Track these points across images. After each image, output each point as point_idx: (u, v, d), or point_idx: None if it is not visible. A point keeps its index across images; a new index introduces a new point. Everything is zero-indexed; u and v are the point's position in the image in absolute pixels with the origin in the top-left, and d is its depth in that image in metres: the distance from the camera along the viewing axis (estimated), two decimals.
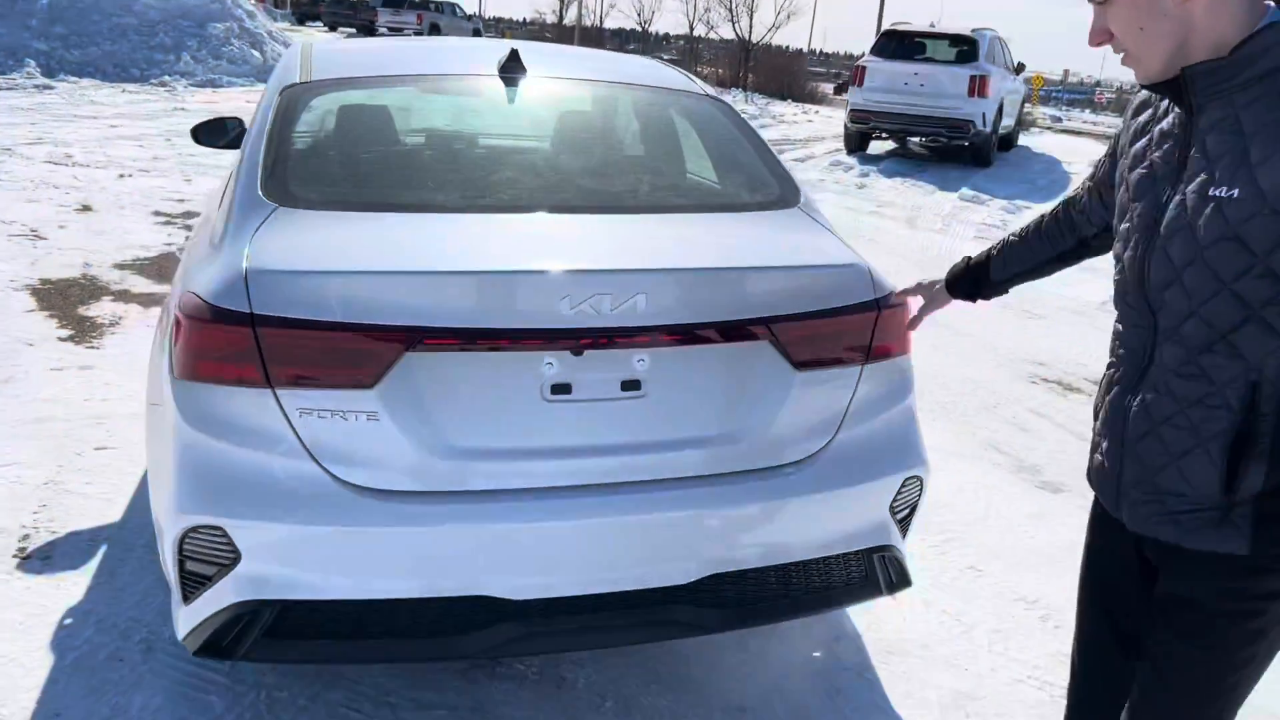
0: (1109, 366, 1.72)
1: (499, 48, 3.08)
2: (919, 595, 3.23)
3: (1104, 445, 1.70)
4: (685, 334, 2.19)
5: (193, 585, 2.12)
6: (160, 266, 6.32)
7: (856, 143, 15.28)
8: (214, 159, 9.57)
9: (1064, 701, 2.73)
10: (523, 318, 2.09)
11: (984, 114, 13.91)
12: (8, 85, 14.20)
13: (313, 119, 2.80)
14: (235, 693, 2.56)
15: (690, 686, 2.72)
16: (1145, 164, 1.61)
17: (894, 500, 2.42)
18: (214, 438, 2.07)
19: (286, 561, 2.06)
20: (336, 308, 2.03)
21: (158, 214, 7.74)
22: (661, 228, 2.51)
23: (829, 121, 20.74)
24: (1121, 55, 1.57)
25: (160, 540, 2.24)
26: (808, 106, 26.22)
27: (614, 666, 2.77)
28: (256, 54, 18.66)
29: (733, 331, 2.23)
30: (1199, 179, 1.49)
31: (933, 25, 15.35)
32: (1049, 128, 26.10)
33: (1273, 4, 1.47)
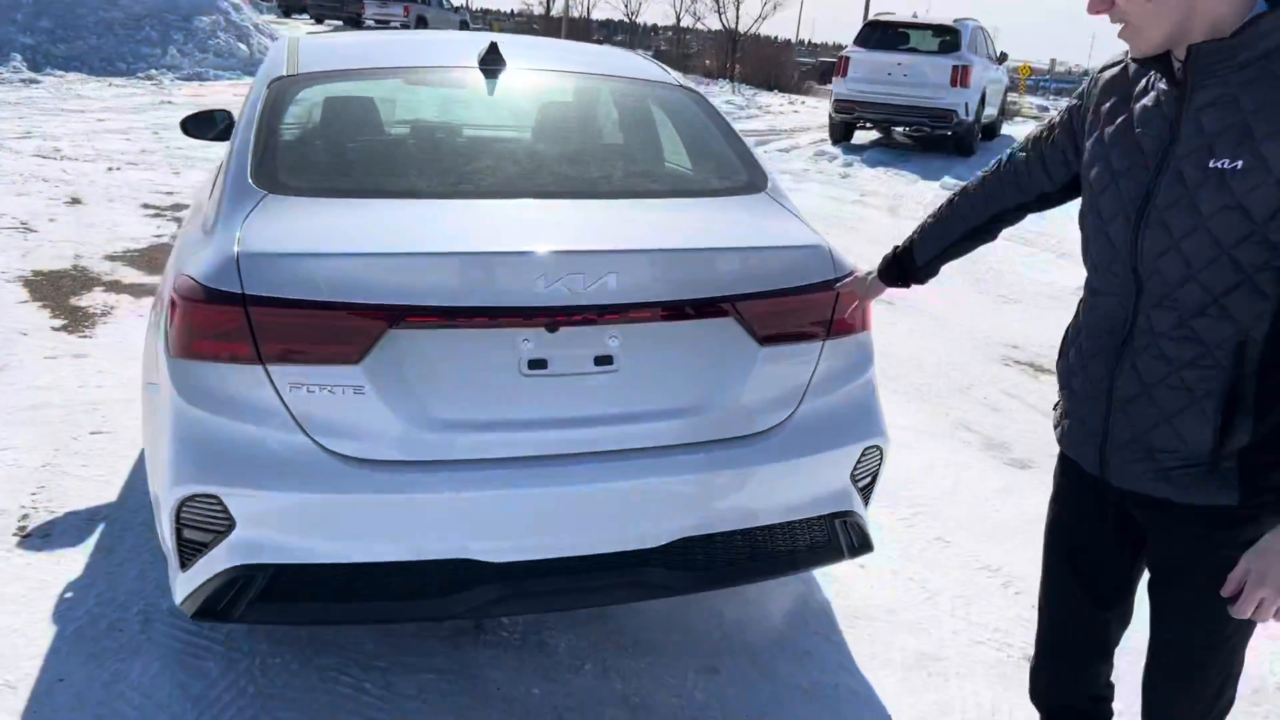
0: (1078, 335, 1.80)
1: (479, 40, 3.20)
2: (886, 565, 3.37)
3: (1082, 410, 1.78)
4: (654, 311, 2.32)
5: (190, 552, 2.24)
6: (150, 258, 6.42)
7: (841, 133, 15.39)
8: (202, 152, 9.66)
9: (1023, 661, 2.88)
10: (500, 296, 2.22)
11: (966, 103, 14.04)
12: None
13: (300, 110, 2.91)
14: (230, 659, 2.69)
15: (665, 650, 2.85)
16: (1128, 141, 1.66)
17: (855, 468, 2.56)
18: (209, 412, 2.19)
19: (278, 528, 2.18)
20: (323, 287, 2.15)
21: (146, 206, 7.83)
22: (633, 211, 2.64)
23: (814, 112, 20.86)
24: (1120, 26, 1.61)
25: (158, 512, 2.35)
26: (794, 97, 26.33)
27: (593, 632, 2.90)
28: (243, 47, 18.69)
29: (699, 309, 2.36)
30: (1194, 153, 1.55)
31: (915, 16, 15.46)
32: (1034, 117, 26.26)
33: None
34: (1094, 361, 1.74)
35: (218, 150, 3.32)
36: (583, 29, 40.52)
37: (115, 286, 5.81)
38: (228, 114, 3.99)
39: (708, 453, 2.39)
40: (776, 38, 58.29)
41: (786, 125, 18.15)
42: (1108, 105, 1.74)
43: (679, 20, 38.82)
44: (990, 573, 3.39)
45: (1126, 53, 1.72)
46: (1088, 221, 1.76)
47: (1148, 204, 1.61)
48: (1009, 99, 19.46)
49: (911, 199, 10.91)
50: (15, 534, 3.21)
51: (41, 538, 3.20)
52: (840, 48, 15.34)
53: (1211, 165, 1.53)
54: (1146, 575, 1.85)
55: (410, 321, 2.18)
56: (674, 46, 40.99)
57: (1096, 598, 1.92)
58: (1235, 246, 1.53)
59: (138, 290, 5.75)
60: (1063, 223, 10.18)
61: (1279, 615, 1.53)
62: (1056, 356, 1.94)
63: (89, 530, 3.27)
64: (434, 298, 2.18)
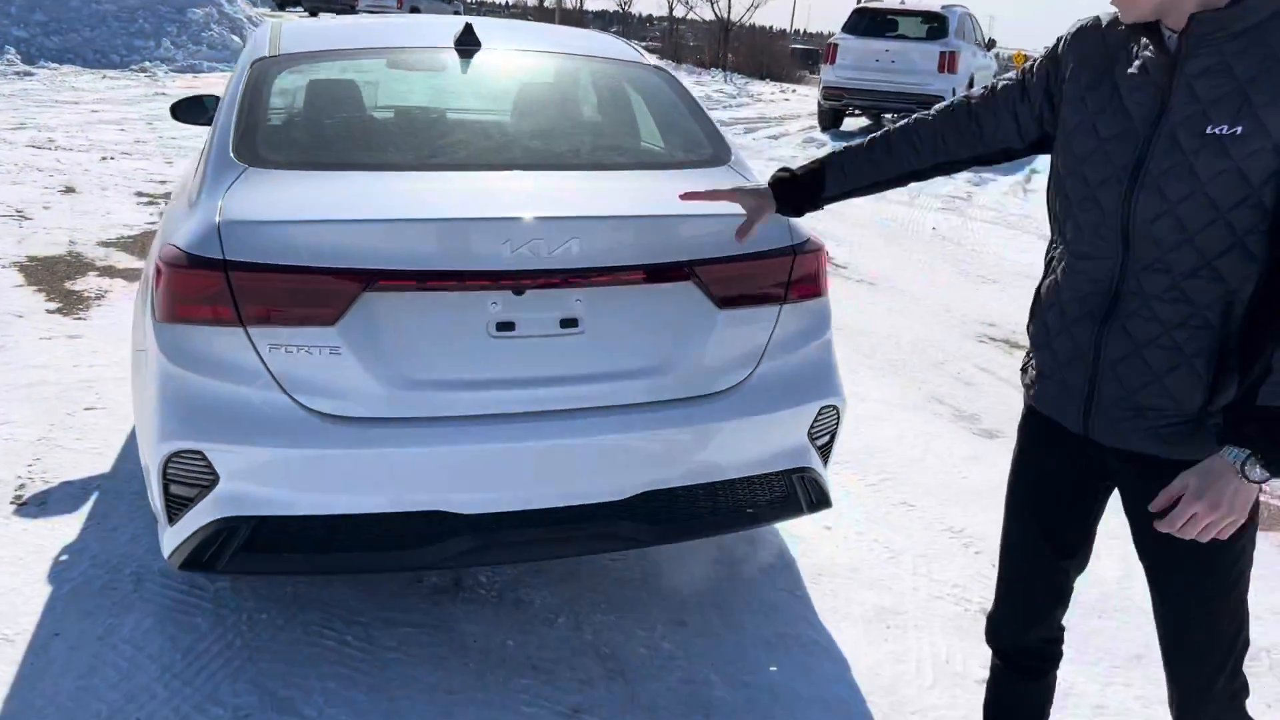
0: (1057, 298, 1.80)
1: (456, 23, 3.32)
2: (852, 527, 3.50)
3: (1064, 372, 1.80)
4: (616, 275, 2.44)
5: (176, 506, 2.36)
6: (143, 244, 6.53)
7: (830, 120, 15.51)
8: (195, 142, 9.75)
9: (979, 615, 3.01)
10: (468, 260, 2.34)
11: (954, 89, 14.13)
12: None
13: (280, 89, 3.03)
14: (219, 615, 2.81)
15: (636, 605, 2.98)
16: (1115, 108, 1.68)
17: (812, 427, 2.68)
18: (193, 372, 2.31)
19: (260, 481, 2.31)
20: (301, 253, 2.27)
21: (140, 194, 7.94)
22: (598, 182, 2.76)
23: (805, 100, 20.95)
24: None
25: (147, 474, 2.48)
26: (786, 86, 26.42)
27: (567, 589, 3.02)
28: (236, 39, 18.76)
29: (659, 273, 2.49)
30: (1189, 119, 1.59)
31: (902, 2, 15.57)
32: None
33: None
34: (1079, 324, 1.77)
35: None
36: (576, 20, 40.55)
37: (109, 271, 5.92)
38: (216, 99, 4.10)
39: (670, 411, 2.52)
40: (771, 27, 58.30)
41: (776, 113, 18.26)
42: (1086, 70, 1.76)
43: (671, 10, 38.87)
44: (953, 534, 3.52)
45: (1099, 17, 1.76)
46: (1069, 186, 1.77)
47: (1140, 170, 1.65)
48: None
49: (899, 190, 11.01)
50: (12, 502, 3.33)
51: (38, 506, 3.32)
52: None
53: (1209, 131, 1.57)
54: (1132, 541, 1.86)
55: (383, 285, 2.30)
56: (667, 37, 41.02)
57: (1058, 547, 1.98)
58: (1231, 210, 1.58)
59: (131, 275, 5.86)
60: (1042, 207, 10.37)
61: (1210, 531, 1.57)
62: (1028, 319, 1.95)
63: (83, 499, 3.39)
64: (405, 262, 2.31)
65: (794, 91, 24.38)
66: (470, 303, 2.36)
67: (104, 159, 9.15)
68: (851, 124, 16.17)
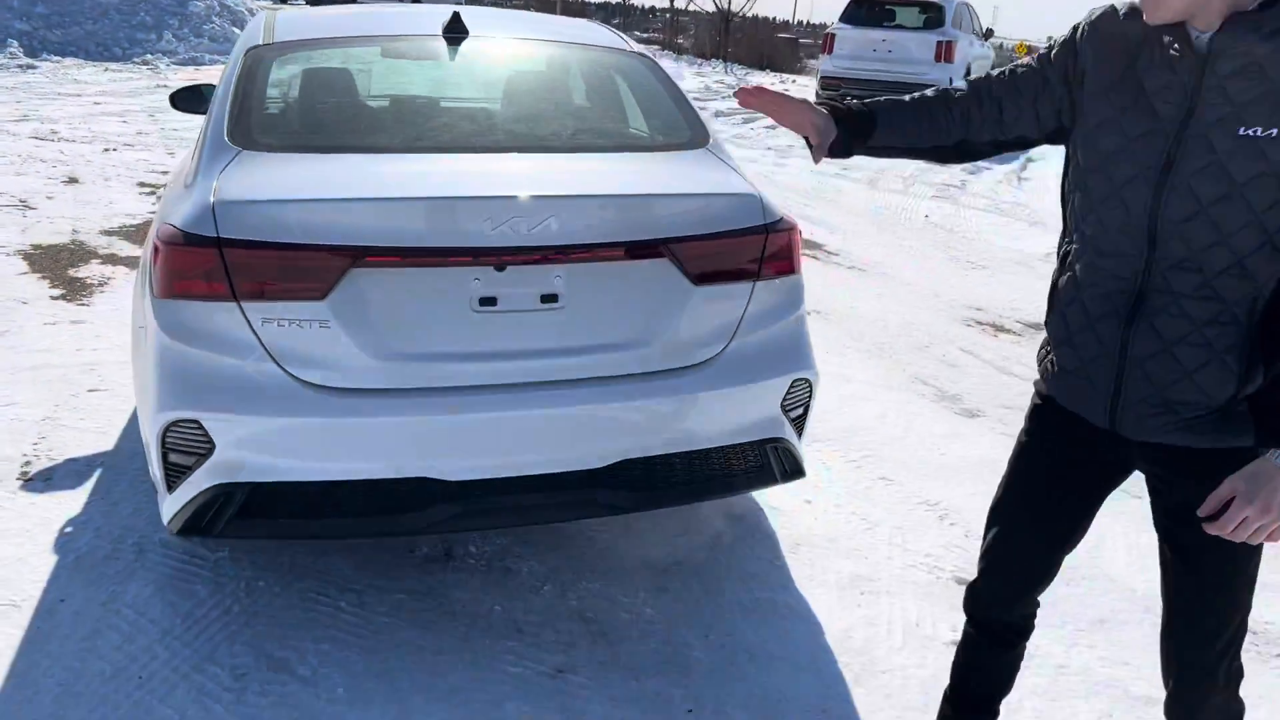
0: (1078, 295, 1.81)
1: (444, 12, 3.42)
2: (831, 501, 3.61)
3: (1090, 369, 1.80)
4: (594, 252, 2.55)
5: (175, 474, 2.48)
6: (145, 233, 6.63)
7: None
8: (196, 133, 9.87)
9: (951, 583, 3.12)
10: (451, 237, 2.45)
11: (950, 78, 14.20)
12: None
13: (273, 76, 3.13)
14: (217, 583, 2.93)
15: (618, 573, 3.09)
16: (1142, 107, 1.68)
17: (785, 399, 2.79)
18: (190, 345, 2.42)
19: (254, 449, 2.42)
20: (291, 230, 2.38)
21: (142, 185, 8.04)
22: (579, 164, 2.87)
23: (805, 91, 20.97)
24: None
25: (147, 446, 2.59)
26: (786, 76, 26.44)
27: (553, 558, 3.14)
28: (237, 31, 18.80)
29: (636, 250, 2.59)
30: (1221, 121, 1.59)
31: None
32: None
33: None
34: (1104, 322, 1.77)
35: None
36: (578, 11, 40.57)
37: (111, 259, 6.03)
38: (215, 88, 4.21)
39: (647, 383, 2.63)
40: (774, 19, 58.19)
41: None
42: (1108, 64, 1.75)
43: (673, 1, 38.86)
44: (929, 507, 3.63)
45: (1114, 6, 1.76)
46: (1092, 183, 1.77)
47: (1169, 170, 1.65)
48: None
49: (892, 172, 11.09)
50: (18, 478, 3.44)
51: (43, 481, 3.43)
52: None
53: (1242, 133, 1.58)
54: (1151, 523, 1.91)
55: (370, 261, 2.41)
56: (667, 28, 41.02)
57: (1057, 533, 2.01)
58: (1266, 211, 1.59)
59: (133, 263, 5.97)
60: (1039, 194, 10.41)
61: (1260, 534, 1.58)
62: (1046, 313, 1.94)
63: (87, 475, 3.50)
64: (391, 239, 2.42)
65: (793, 82, 24.40)
66: (453, 278, 2.47)
67: (106, 150, 9.26)
68: None
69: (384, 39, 3.48)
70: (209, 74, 15.96)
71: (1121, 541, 3.44)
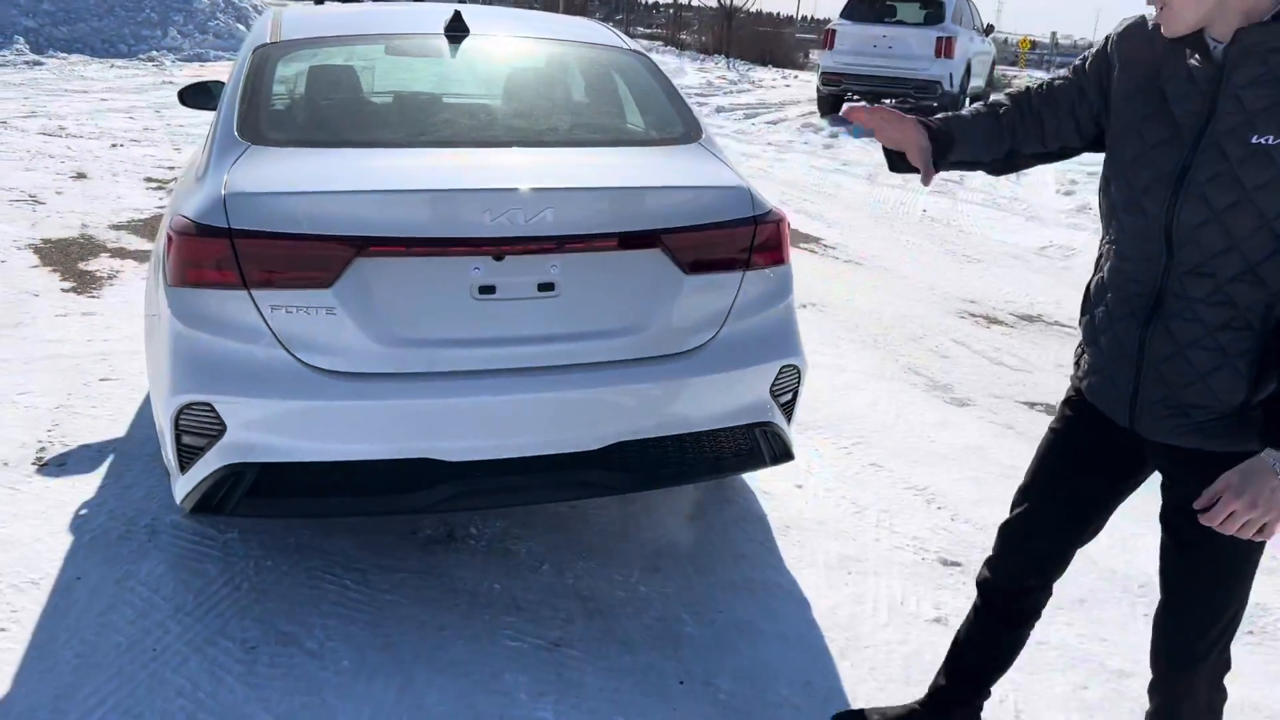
0: (1104, 295, 1.88)
1: (446, 11, 3.53)
2: (821, 485, 3.72)
3: (1112, 368, 1.87)
4: (589, 243, 2.66)
5: (188, 455, 2.59)
6: (153, 227, 6.75)
7: (829, 105, 15.65)
8: (202, 129, 9.97)
9: (936, 564, 3.23)
10: (452, 228, 2.56)
11: (951, 74, 14.32)
12: None
13: (281, 73, 3.24)
14: (228, 562, 3.04)
15: (614, 554, 3.20)
16: (1162, 115, 1.73)
17: (773, 384, 2.89)
18: (202, 332, 2.53)
19: (263, 431, 2.53)
20: (299, 221, 2.49)
21: (149, 180, 8.15)
22: (575, 158, 2.97)
23: (805, 86, 21.08)
24: (1156, 10, 1.71)
25: (160, 430, 2.70)
26: (787, 72, 26.54)
27: (551, 540, 3.24)
28: (242, 28, 18.94)
29: (629, 240, 2.70)
30: (1235, 129, 1.63)
31: None
32: None
33: None
34: (1123, 323, 1.83)
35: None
36: (580, 7, 40.64)
37: (120, 253, 6.15)
38: (222, 84, 4.32)
39: (640, 368, 2.73)
40: (778, 14, 58.19)
41: (776, 99, 18.39)
42: (1133, 72, 1.80)
43: None
44: (916, 492, 3.73)
45: (1145, 16, 1.80)
46: (1114, 189, 1.82)
47: (1185, 177, 1.69)
48: (997, 71, 19.65)
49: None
50: (34, 463, 3.55)
51: (57, 466, 3.55)
52: None
53: (1254, 141, 1.61)
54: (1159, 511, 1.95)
55: (374, 250, 2.52)
56: (670, 24, 41.09)
57: (1074, 522, 2.08)
58: (1277, 218, 1.62)
59: (142, 256, 6.08)
60: (1036, 189, 10.49)
61: (1249, 529, 1.64)
62: (1080, 314, 2.01)
63: (100, 460, 3.61)
64: (395, 229, 2.53)
65: (795, 78, 24.51)
66: (454, 267, 2.58)
67: (113, 146, 9.37)
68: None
69: (387, 37, 3.59)
70: (214, 70, 16.08)
71: (1105, 526, 3.53)
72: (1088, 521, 2.09)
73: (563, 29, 3.88)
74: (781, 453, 2.97)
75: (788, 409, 2.99)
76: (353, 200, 2.55)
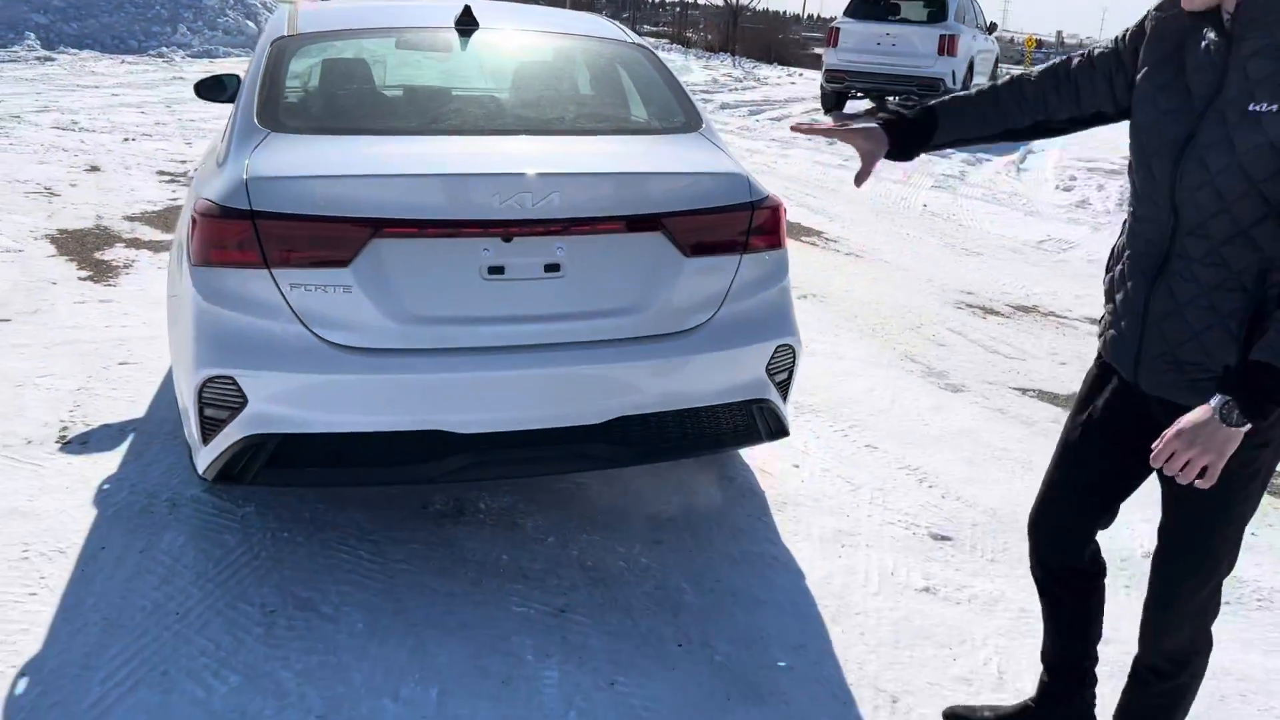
0: (1123, 258, 1.99)
1: (456, 5, 3.66)
2: (818, 465, 3.84)
3: (1122, 324, 1.98)
4: (593, 225, 2.78)
5: (210, 427, 2.71)
6: (166, 218, 6.89)
7: (833, 102, 15.78)
8: (213, 124, 10.11)
9: (925, 537, 3.35)
10: (463, 210, 2.68)
11: (954, 72, 14.41)
12: (9, 58, 14.67)
13: (298, 64, 3.38)
14: (245, 533, 3.17)
15: (616, 527, 3.32)
16: (1179, 85, 1.83)
17: (769, 363, 3.02)
18: (224, 309, 2.66)
19: (283, 403, 2.66)
20: (317, 204, 2.62)
21: (162, 173, 8.29)
22: (580, 145, 3.10)
23: (810, 84, 21.16)
24: None
25: (184, 407, 2.83)
26: (792, 69, 26.63)
27: (557, 514, 3.37)
28: (251, 24, 19.10)
29: (631, 224, 2.83)
30: (1237, 98, 1.72)
31: None
32: None
33: None
34: (1133, 281, 1.94)
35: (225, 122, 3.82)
36: (587, 5, 40.78)
37: (135, 243, 6.28)
38: (237, 78, 4.45)
39: (642, 346, 2.86)
40: (784, 12, 58.23)
41: (781, 96, 18.51)
42: (1160, 48, 1.90)
43: None
44: (909, 471, 3.86)
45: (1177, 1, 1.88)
46: (1133, 153, 1.93)
47: (1190, 142, 1.79)
48: (1002, 69, 19.73)
49: (893, 163, 11.29)
50: (57, 441, 3.69)
51: (80, 444, 3.68)
52: None
53: (1251, 109, 1.71)
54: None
55: (389, 232, 2.64)
56: (676, 22, 41.20)
57: (1104, 475, 2.16)
58: (1264, 182, 1.71)
59: (156, 246, 6.22)
60: (1035, 185, 10.61)
61: (1191, 470, 1.74)
62: (1104, 273, 2.11)
63: (120, 439, 3.74)
64: (408, 212, 2.66)
65: (800, 75, 24.60)
66: (465, 248, 2.71)
67: (126, 140, 9.51)
68: (854, 106, 16.42)
69: (399, 30, 3.72)
70: (223, 65, 16.21)
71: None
72: (1115, 475, 2.15)
73: (569, 23, 4.01)
74: (777, 429, 3.10)
75: (783, 387, 3.11)
76: (369, 184, 2.68)
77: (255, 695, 2.47)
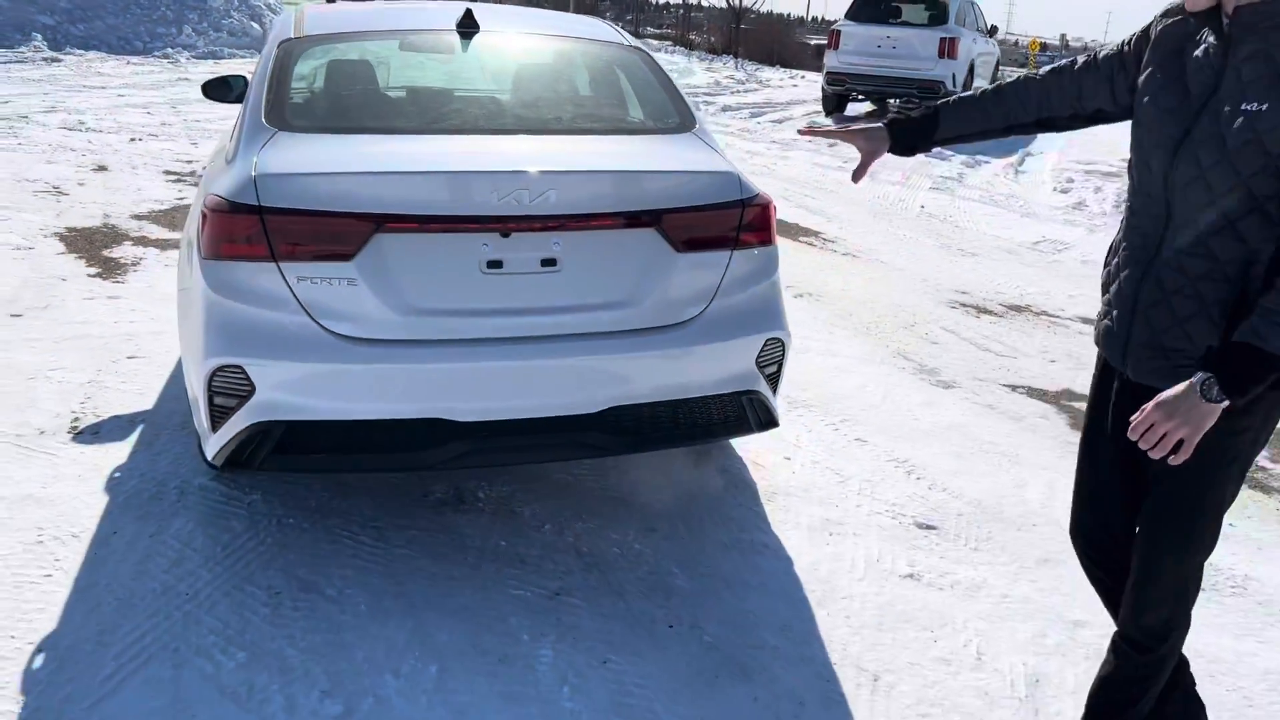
0: (1119, 251, 2.08)
1: (458, 9, 3.76)
2: (809, 458, 3.95)
3: (1114, 313, 2.08)
4: (588, 221, 2.89)
5: (219, 415, 2.82)
6: (173, 217, 7.00)
7: (834, 104, 15.89)
8: (219, 125, 10.23)
9: (911, 526, 3.44)
10: (463, 207, 2.79)
11: (954, 74, 14.51)
12: (17, 59, 14.80)
13: (304, 65, 3.49)
14: (252, 519, 3.27)
15: (613, 515, 3.43)
16: (1179, 86, 1.93)
17: (759, 356, 3.12)
18: (233, 300, 2.76)
19: (290, 391, 2.76)
20: (323, 199, 2.73)
21: (168, 173, 8.40)
22: (577, 144, 3.21)
23: (812, 86, 21.26)
24: None
25: (194, 396, 2.93)
26: (795, 72, 26.73)
27: (554, 503, 3.47)
28: (256, 26, 19.23)
29: (626, 220, 2.93)
30: (1231, 98, 1.82)
31: None
32: None
33: None
34: (1127, 271, 2.03)
35: (231, 124, 3.92)
36: (590, 7, 40.89)
37: (143, 241, 6.39)
38: (243, 79, 4.56)
39: (635, 338, 2.96)
40: (789, 15, 58.33)
41: (783, 99, 18.60)
42: (1163, 50, 2.00)
43: None
44: (898, 464, 3.96)
45: (1182, 4, 1.99)
46: (1133, 149, 2.03)
47: (1185, 138, 1.89)
48: (1006, 72, 19.83)
49: (893, 164, 11.39)
50: (69, 431, 3.79)
51: (91, 434, 3.79)
52: None
53: (1243, 107, 1.80)
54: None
55: (392, 227, 2.75)
56: (680, 25, 41.34)
57: (1120, 466, 2.24)
58: (1251, 177, 1.81)
59: (163, 244, 6.33)
60: (1033, 187, 10.70)
61: (1168, 442, 1.83)
62: (1102, 268, 2.21)
63: (130, 430, 3.85)
64: (411, 207, 2.76)
65: (802, 78, 24.70)
66: (465, 243, 2.81)
67: (132, 140, 9.62)
68: (855, 109, 16.53)
69: (403, 32, 3.84)
70: (228, 67, 16.34)
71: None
72: (1131, 465, 2.21)
73: (567, 26, 4.12)
74: (767, 420, 3.20)
75: (773, 379, 3.21)
76: (373, 180, 2.79)
77: (261, 670, 2.57)
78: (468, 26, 3.62)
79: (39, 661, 2.55)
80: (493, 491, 3.52)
